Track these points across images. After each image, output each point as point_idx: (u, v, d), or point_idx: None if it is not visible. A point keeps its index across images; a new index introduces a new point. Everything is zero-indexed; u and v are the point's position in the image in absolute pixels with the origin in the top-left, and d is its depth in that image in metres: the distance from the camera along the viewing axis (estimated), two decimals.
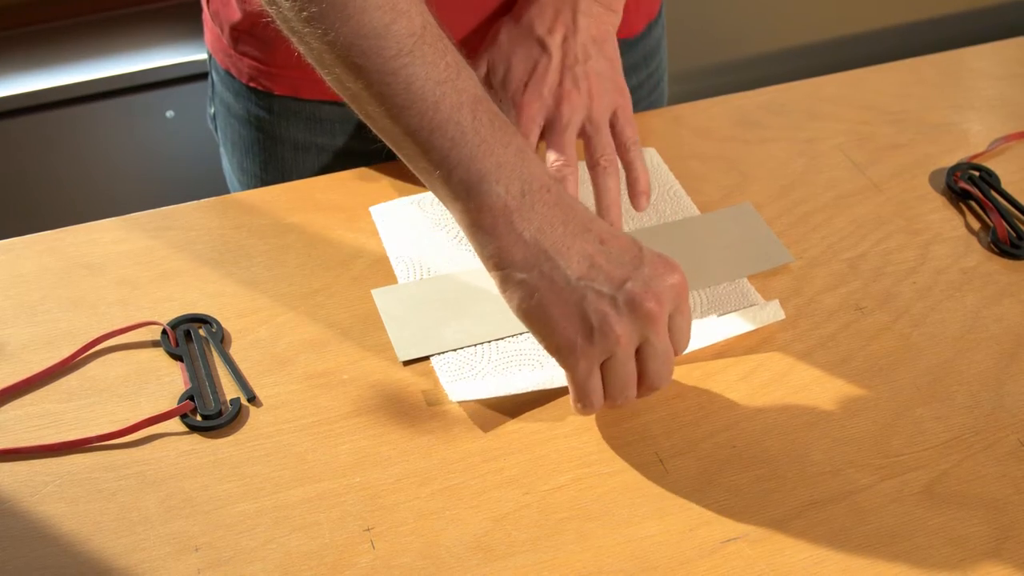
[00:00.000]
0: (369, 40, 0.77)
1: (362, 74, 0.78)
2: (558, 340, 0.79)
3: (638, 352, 0.80)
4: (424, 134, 0.78)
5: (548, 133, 0.99)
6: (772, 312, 0.94)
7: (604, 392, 0.81)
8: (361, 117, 0.83)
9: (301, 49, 0.82)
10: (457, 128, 0.78)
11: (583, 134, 0.99)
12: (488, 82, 1.03)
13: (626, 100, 1.01)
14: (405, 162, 0.82)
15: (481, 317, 0.94)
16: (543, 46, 1.00)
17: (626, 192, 1.00)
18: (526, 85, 0.99)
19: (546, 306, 0.79)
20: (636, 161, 0.99)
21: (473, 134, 0.78)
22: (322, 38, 0.78)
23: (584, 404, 0.81)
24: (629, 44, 1.21)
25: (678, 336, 0.82)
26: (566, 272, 0.78)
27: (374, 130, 0.83)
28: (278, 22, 0.81)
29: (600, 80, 1.00)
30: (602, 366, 0.80)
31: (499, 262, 0.80)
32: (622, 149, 1.00)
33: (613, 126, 1.00)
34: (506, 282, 0.80)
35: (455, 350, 0.91)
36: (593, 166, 0.98)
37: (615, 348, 0.78)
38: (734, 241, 1.01)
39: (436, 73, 0.78)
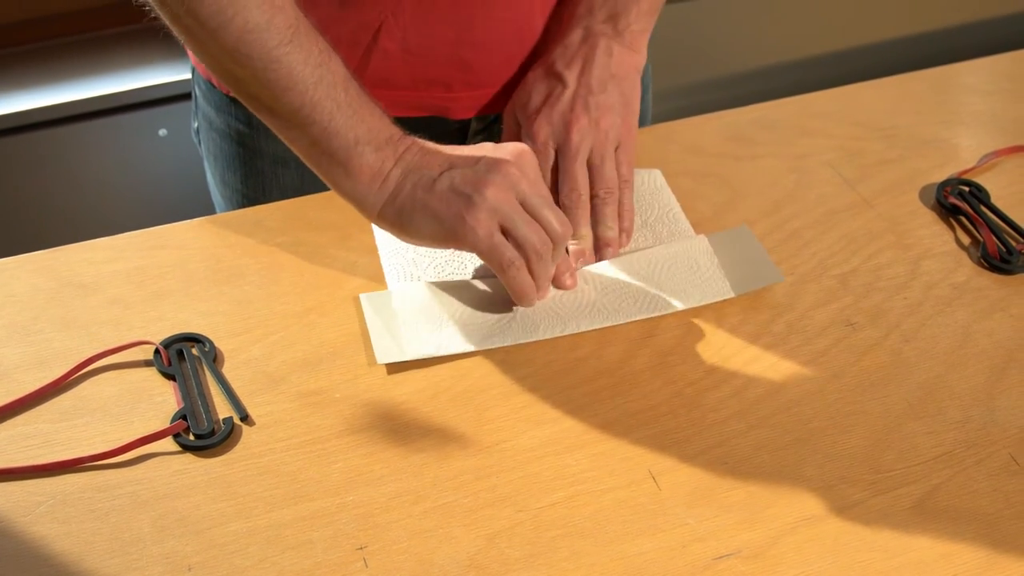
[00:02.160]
0: (254, 34, 0.87)
1: (249, 63, 0.88)
2: (448, 222, 0.90)
3: (526, 209, 0.92)
4: (306, 110, 0.90)
5: (560, 159, 1.02)
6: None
7: (524, 258, 0.92)
8: (242, 100, 0.93)
9: (186, 41, 0.90)
10: (334, 103, 0.91)
11: (588, 163, 1.02)
12: (514, 118, 1.06)
13: (631, 138, 1.04)
14: (285, 140, 0.94)
15: (465, 326, 0.94)
16: (560, 78, 1.04)
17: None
18: (538, 111, 1.03)
19: (425, 204, 0.91)
20: (624, 200, 1.03)
21: (347, 107, 0.91)
22: (212, 34, 0.87)
23: (505, 267, 0.91)
24: None
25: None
26: (430, 173, 0.92)
27: (254, 110, 0.93)
28: (165, 18, 0.89)
29: (611, 113, 1.02)
30: (503, 228, 0.91)
31: (378, 206, 0.93)
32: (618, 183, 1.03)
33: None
34: (387, 216, 0.93)
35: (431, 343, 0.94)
36: (593, 196, 1.01)
37: (497, 204, 0.90)
38: (725, 261, 1.01)
39: (312, 58, 0.90)
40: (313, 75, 0.89)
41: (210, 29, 0.86)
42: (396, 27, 1.05)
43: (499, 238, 0.91)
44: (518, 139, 1.04)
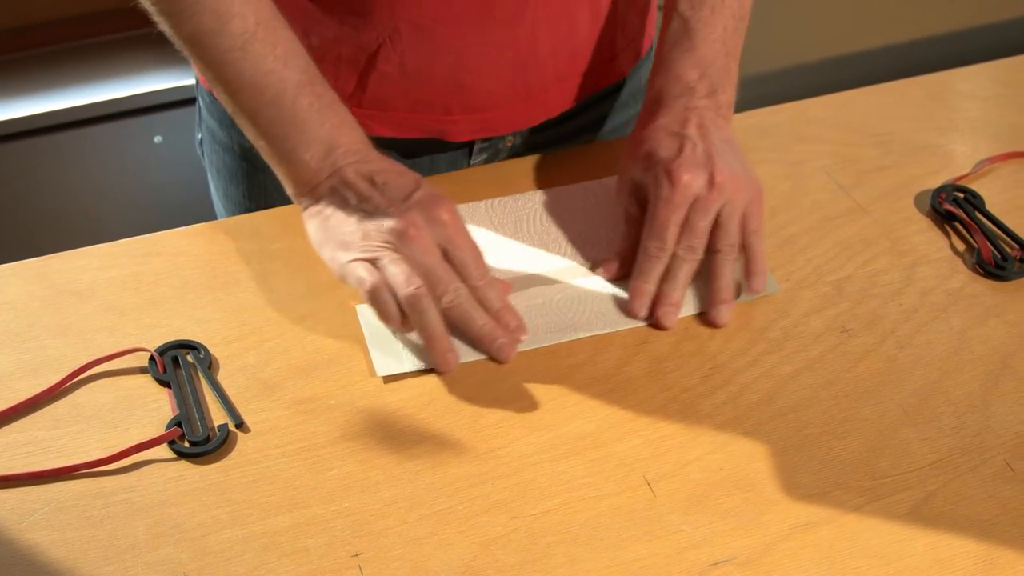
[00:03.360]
0: (207, 37, 0.92)
1: (203, 62, 0.94)
2: (329, 261, 0.94)
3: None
4: (252, 113, 0.95)
5: (691, 211, 0.96)
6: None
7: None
8: (210, 85, 0.98)
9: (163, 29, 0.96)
10: (278, 110, 0.94)
11: (717, 217, 0.97)
12: (637, 170, 1.01)
13: (760, 199, 0.99)
14: (243, 130, 0.99)
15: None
16: (685, 136, 0.99)
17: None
18: (675, 160, 0.97)
19: (331, 228, 0.94)
20: (755, 246, 0.98)
21: (291, 115, 0.94)
22: (172, 30, 0.94)
23: (375, 299, 0.91)
24: (619, 84, 1.22)
25: (460, 266, 0.92)
26: (350, 202, 0.94)
27: (217, 96, 0.99)
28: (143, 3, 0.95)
29: (743, 178, 0.98)
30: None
31: (303, 207, 0.97)
32: (745, 233, 0.98)
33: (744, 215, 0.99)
34: (307, 219, 0.96)
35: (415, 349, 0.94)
36: (715, 251, 0.97)
37: (378, 251, 0.91)
38: None
39: (264, 65, 0.93)
40: (261, 82, 0.93)
41: (169, 25, 0.94)
42: (394, 51, 1.05)
43: (375, 274, 0.91)
44: (635, 191, 1.01)
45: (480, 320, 0.92)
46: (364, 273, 0.91)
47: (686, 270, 0.96)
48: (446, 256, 0.92)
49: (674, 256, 0.96)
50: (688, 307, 0.98)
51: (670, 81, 1.04)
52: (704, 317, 0.97)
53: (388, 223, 0.91)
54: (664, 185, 0.96)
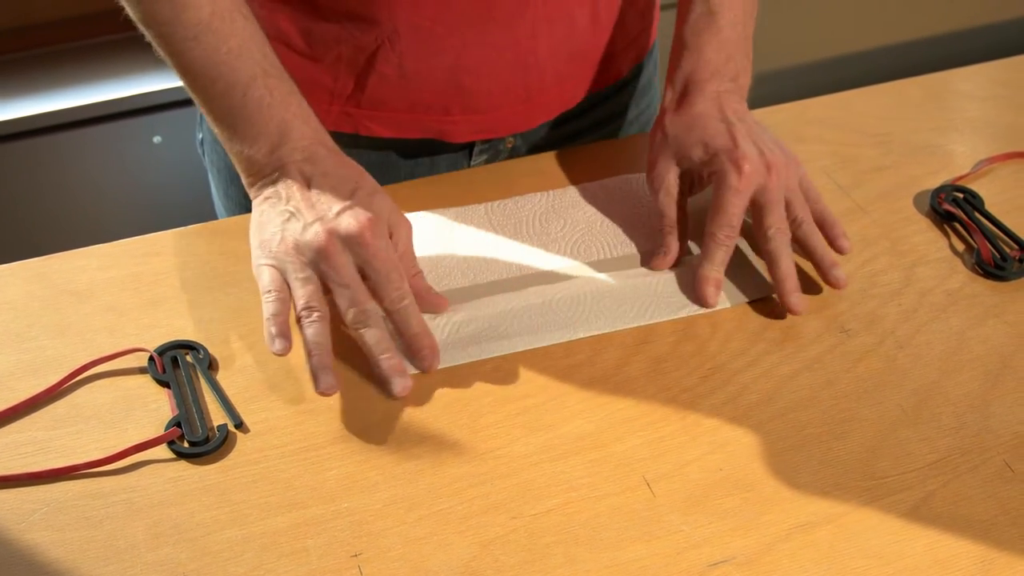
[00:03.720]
0: (161, 26, 0.94)
1: (161, 48, 0.96)
2: (258, 239, 0.93)
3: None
4: (206, 103, 0.97)
5: (762, 200, 0.99)
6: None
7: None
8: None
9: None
10: (228, 102, 0.95)
11: (786, 200, 1.00)
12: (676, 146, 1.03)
13: (801, 166, 1.03)
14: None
15: (461, 337, 0.94)
16: (729, 123, 1.02)
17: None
18: (737, 151, 0.99)
19: (261, 224, 0.93)
20: (826, 212, 1.02)
21: (240, 108, 0.95)
22: (133, 16, 0.95)
23: (265, 302, 0.90)
24: (619, 85, 1.22)
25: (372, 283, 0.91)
26: (282, 207, 0.93)
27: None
28: None
29: (780, 155, 1.01)
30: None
31: (255, 198, 0.96)
32: (812, 202, 1.02)
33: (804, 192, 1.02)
34: (254, 208, 0.96)
35: None
36: (796, 227, 1.00)
37: (288, 262, 0.90)
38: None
39: (216, 56, 0.94)
40: (211, 72, 0.94)
41: (129, 10, 0.95)
42: (392, 52, 1.05)
43: (275, 281, 0.91)
44: (685, 175, 1.03)
45: (378, 350, 0.90)
46: (268, 279, 0.91)
47: (785, 251, 0.98)
48: (363, 276, 0.91)
49: (768, 239, 0.98)
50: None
51: (700, 65, 1.05)
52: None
53: (308, 236, 0.90)
54: (731, 174, 0.98)
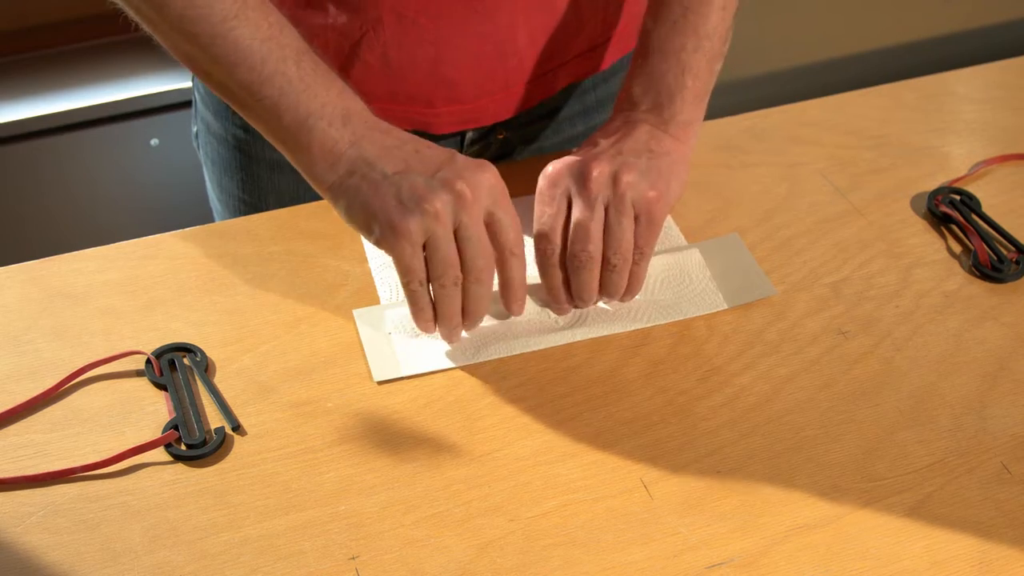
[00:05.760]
0: (199, 9, 0.87)
1: (195, 39, 0.89)
2: (380, 226, 0.88)
3: (457, 238, 0.88)
4: (256, 86, 0.89)
5: (574, 211, 0.95)
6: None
7: (429, 274, 0.89)
8: (200, 78, 0.94)
9: (140, 22, 0.91)
10: (284, 78, 0.89)
11: (604, 223, 0.96)
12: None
13: (658, 211, 0.96)
14: (240, 113, 0.93)
15: (460, 340, 0.94)
16: (595, 143, 0.99)
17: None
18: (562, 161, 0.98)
19: (366, 201, 0.88)
20: (638, 271, 0.97)
21: (298, 81, 0.90)
22: (158, 11, 0.88)
23: (409, 280, 0.89)
24: (605, 76, 1.22)
25: (501, 231, 0.90)
26: (384, 170, 0.89)
27: (212, 89, 0.93)
28: (118, 1, 0.91)
29: (633, 171, 0.95)
30: (426, 250, 0.88)
31: (328, 182, 0.91)
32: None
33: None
34: (335, 195, 0.91)
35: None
36: (603, 260, 0.96)
37: (432, 224, 0.87)
38: (717, 273, 1.01)
39: (261, 32, 0.89)
40: (261, 49, 0.89)
41: (156, 6, 0.88)
42: (376, 41, 1.05)
43: (418, 260, 0.88)
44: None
45: (483, 309, 0.92)
46: (416, 275, 0.89)
47: (583, 279, 0.96)
48: (490, 220, 0.89)
49: (571, 266, 0.96)
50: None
51: (620, 95, 1.04)
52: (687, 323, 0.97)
53: (436, 184, 0.88)
54: (543, 180, 0.97)
